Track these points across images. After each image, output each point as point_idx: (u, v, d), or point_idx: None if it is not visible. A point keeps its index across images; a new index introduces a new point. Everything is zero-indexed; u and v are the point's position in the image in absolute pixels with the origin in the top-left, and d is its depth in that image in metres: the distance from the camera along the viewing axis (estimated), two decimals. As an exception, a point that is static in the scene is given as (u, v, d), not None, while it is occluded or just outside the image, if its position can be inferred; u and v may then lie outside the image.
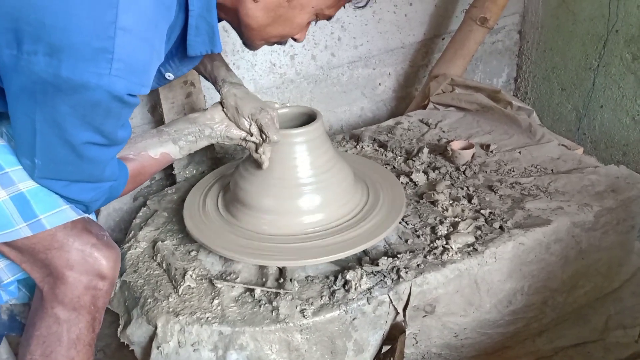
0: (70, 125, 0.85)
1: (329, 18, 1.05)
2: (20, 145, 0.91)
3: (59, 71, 0.78)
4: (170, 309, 1.13)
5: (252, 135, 1.17)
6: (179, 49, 1.02)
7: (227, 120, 1.16)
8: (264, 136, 1.16)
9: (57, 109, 0.82)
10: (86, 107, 0.82)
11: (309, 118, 1.29)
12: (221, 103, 1.17)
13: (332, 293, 1.13)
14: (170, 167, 1.75)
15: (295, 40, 1.07)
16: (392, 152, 1.69)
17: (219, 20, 1.00)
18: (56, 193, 0.95)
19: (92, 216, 1.11)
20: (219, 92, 1.21)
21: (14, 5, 0.77)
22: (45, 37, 0.77)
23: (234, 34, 1.14)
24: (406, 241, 1.27)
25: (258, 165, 1.21)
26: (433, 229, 1.30)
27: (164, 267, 1.26)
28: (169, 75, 1.09)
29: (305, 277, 1.18)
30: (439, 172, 1.54)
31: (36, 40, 0.77)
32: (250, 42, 1.07)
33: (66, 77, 0.78)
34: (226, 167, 1.54)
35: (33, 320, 1.00)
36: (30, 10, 0.77)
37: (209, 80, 1.28)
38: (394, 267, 1.17)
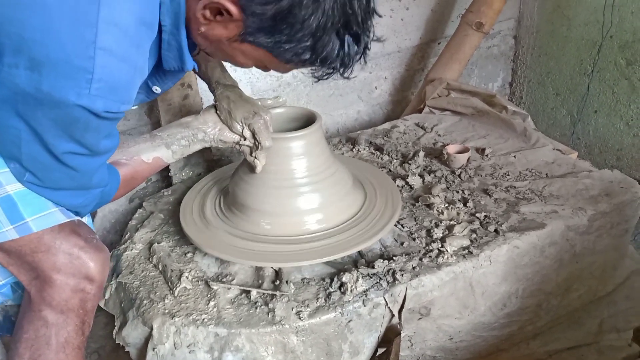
0: (51, 136, 0.85)
1: (283, 72, 1.00)
2: (7, 152, 0.91)
3: (40, 85, 0.78)
4: (166, 311, 1.13)
5: (245, 139, 1.17)
6: (160, 63, 1.01)
7: (220, 124, 1.16)
8: (257, 142, 1.16)
9: (38, 120, 0.83)
10: (65, 121, 0.83)
11: (307, 120, 1.30)
12: (215, 106, 1.17)
13: (328, 295, 1.13)
14: (166, 169, 1.75)
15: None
16: (388, 155, 1.70)
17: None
18: (45, 198, 0.95)
19: (88, 218, 1.11)
20: (212, 93, 1.21)
21: None
22: (26, 50, 0.76)
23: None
24: (402, 244, 1.28)
25: (253, 168, 1.22)
26: (428, 232, 1.30)
27: (160, 268, 1.26)
28: (156, 89, 1.08)
29: (301, 279, 1.18)
30: (435, 176, 1.55)
31: (17, 53, 0.77)
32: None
33: (47, 91, 0.78)
34: (222, 169, 1.54)
35: (21, 322, 0.99)
36: (10, 24, 0.76)
37: (204, 81, 1.28)
38: (390, 269, 1.18)
